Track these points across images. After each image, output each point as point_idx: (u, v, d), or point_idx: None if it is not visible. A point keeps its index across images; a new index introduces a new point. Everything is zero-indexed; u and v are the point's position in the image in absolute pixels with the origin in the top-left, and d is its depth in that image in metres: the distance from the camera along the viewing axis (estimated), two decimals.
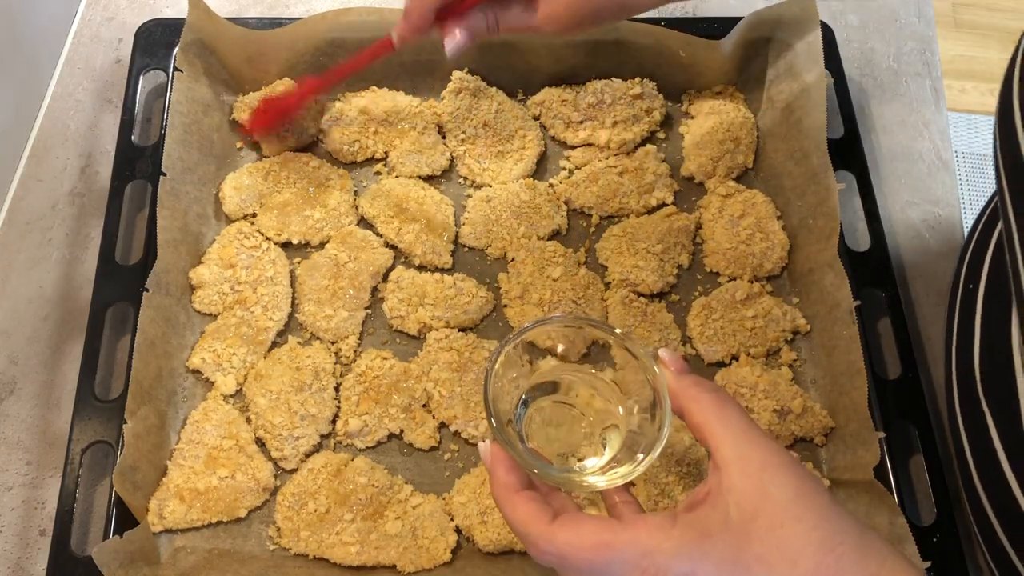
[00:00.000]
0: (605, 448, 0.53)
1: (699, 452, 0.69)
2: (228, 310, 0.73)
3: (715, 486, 0.45)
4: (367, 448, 0.70)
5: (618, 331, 0.52)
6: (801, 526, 0.43)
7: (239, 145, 0.82)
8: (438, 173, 0.81)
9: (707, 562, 0.43)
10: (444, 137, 0.82)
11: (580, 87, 0.84)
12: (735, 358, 0.74)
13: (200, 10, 0.77)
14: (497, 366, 0.51)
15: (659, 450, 0.48)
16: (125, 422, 0.64)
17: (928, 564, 0.60)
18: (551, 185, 0.81)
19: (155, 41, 0.82)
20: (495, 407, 0.49)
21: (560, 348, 0.55)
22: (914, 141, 0.87)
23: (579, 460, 0.53)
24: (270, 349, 0.73)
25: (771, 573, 0.43)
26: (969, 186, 1.93)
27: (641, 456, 0.48)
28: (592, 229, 0.80)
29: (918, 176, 0.86)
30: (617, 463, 0.50)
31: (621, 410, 0.53)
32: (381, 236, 0.78)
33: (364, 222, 0.79)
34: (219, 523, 0.66)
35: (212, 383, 0.71)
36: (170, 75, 0.79)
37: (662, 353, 0.50)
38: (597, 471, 0.51)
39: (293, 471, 0.68)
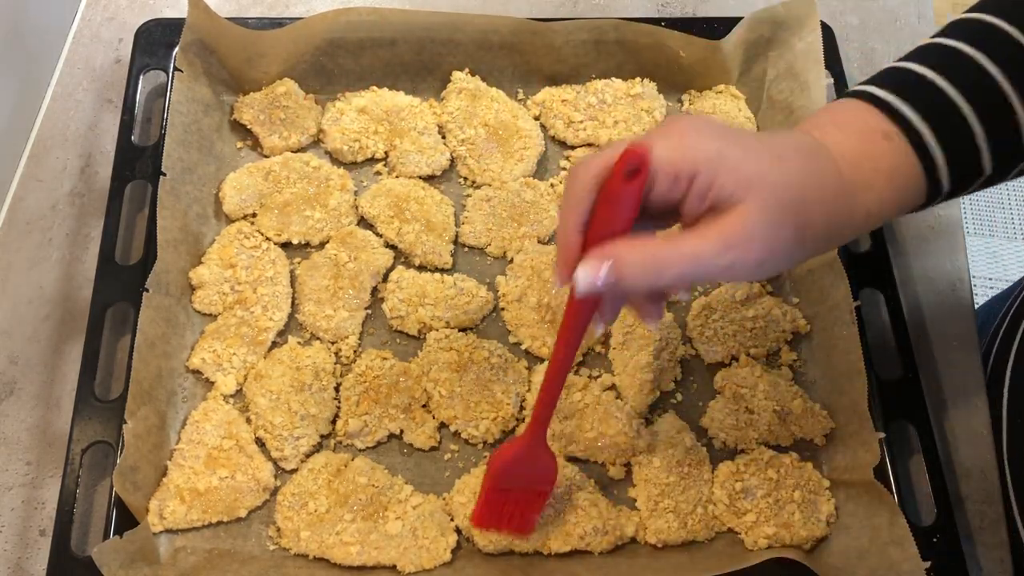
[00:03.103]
0: None
1: (700, 454, 0.69)
2: (228, 310, 0.73)
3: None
4: (367, 448, 0.70)
5: None
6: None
7: (239, 145, 0.82)
8: (438, 173, 0.81)
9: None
10: (444, 137, 0.82)
11: (580, 87, 0.84)
12: (735, 358, 0.74)
13: (200, 10, 0.77)
14: None
15: None
16: (125, 422, 0.64)
17: (928, 564, 0.60)
18: (551, 185, 0.81)
19: (155, 41, 0.82)
20: None
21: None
22: None
23: None
24: (270, 349, 0.73)
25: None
26: None
27: None
28: None
29: None
30: None
31: None
32: (381, 236, 0.78)
33: (364, 222, 0.79)
34: (219, 523, 0.66)
35: (212, 383, 0.71)
36: (170, 75, 0.79)
37: None
38: None
39: (293, 471, 0.68)
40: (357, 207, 0.79)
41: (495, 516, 0.64)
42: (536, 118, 0.84)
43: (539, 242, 0.78)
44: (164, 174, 0.73)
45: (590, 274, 0.49)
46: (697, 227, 0.49)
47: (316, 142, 0.82)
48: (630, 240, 0.49)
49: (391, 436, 0.70)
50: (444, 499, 0.67)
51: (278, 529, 0.66)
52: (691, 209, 0.50)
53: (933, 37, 0.58)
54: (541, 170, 0.83)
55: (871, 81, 0.58)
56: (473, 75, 0.84)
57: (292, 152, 0.80)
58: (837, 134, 0.54)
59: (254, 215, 0.78)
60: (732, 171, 0.48)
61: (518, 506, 0.64)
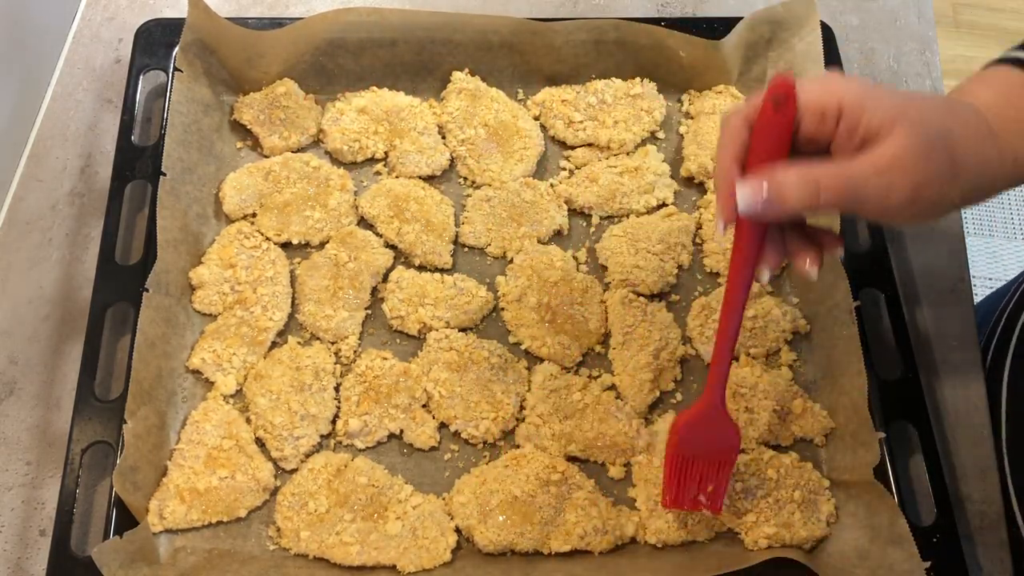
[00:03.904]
0: None
1: None
2: (228, 310, 0.73)
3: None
4: (367, 448, 0.70)
5: None
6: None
7: (239, 145, 0.82)
8: (438, 173, 0.81)
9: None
10: (444, 137, 0.82)
11: (580, 87, 0.84)
12: (735, 358, 0.74)
13: (200, 10, 0.77)
14: None
15: None
16: (125, 422, 0.64)
17: (928, 564, 0.60)
18: (551, 185, 0.81)
19: (155, 41, 0.82)
20: None
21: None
22: None
23: None
24: (270, 349, 0.73)
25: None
26: None
27: None
28: (592, 229, 0.80)
29: None
30: None
31: None
32: (381, 236, 0.78)
33: (364, 222, 0.79)
34: (219, 523, 0.66)
35: (212, 383, 0.71)
36: (170, 75, 0.79)
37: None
38: None
39: (293, 471, 0.68)
40: (357, 207, 0.79)
41: (683, 493, 0.63)
42: (536, 118, 0.84)
43: (539, 242, 0.78)
44: (164, 174, 0.73)
45: (750, 193, 0.51)
46: (851, 157, 0.51)
47: (316, 142, 0.82)
48: (786, 163, 0.51)
49: (391, 436, 0.70)
50: (444, 499, 0.67)
51: (278, 529, 0.66)
52: (841, 148, 0.52)
53: None
54: (541, 170, 0.83)
55: (1009, 50, 0.59)
56: (473, 75, 0.84)
57: (292, 152, 0.80)
58: (978, 89, 0.56)
59: (254, 215, 0.78)
60: (878, 106, 0.50)
61: (704, 480, 0.63)
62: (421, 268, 0.77)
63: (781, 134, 0.52)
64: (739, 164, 0.53)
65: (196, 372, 0.71)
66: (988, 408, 0.74)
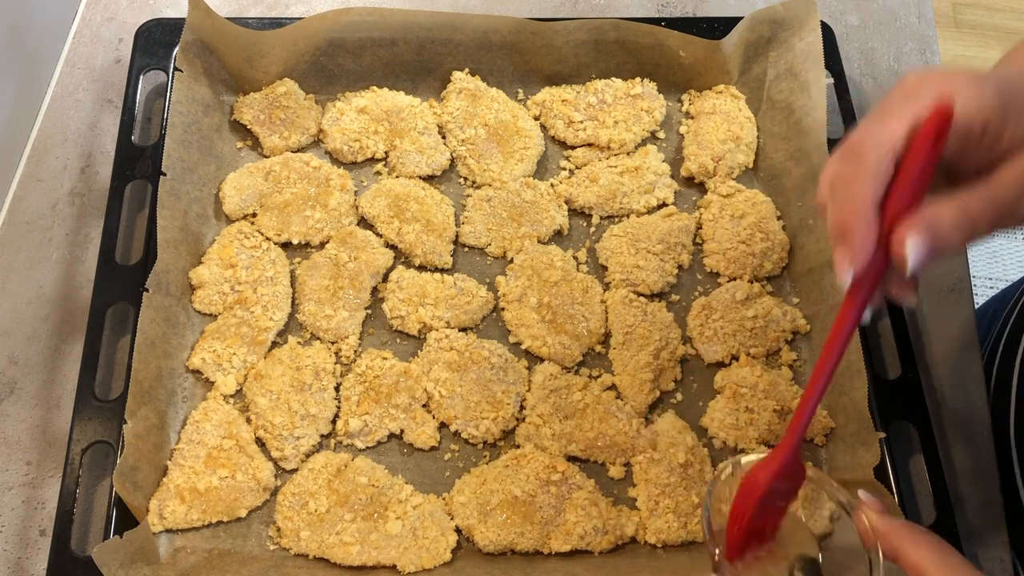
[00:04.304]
0: None
1: (700, 454, 0.69)
2: (228, 310, 0.73)
3: None
4: (367, 448, 0.70)
5: (847, 498, 0.54)
6: None
7: (239, 145, 0.82)
8: (438, 173, 0.81)
9: None
10: (444, 137, 0.82)
11: (580, 87, 0.84)
12: (735, 358, 0.74)
13: (200, 10, 0.77)
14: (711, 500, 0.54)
15: None
16: (125, 422, 0.64)
17: None
18: (552, 185, 0.81)
19: (155, 41, 0.82)
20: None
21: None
22: None
23: None
24: (270, 349, 0.73)
25: None
26: None
27: None
28: (592, 229, 0.80)
29: None
30: None
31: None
32: (381, 236, 0.78)
33: (364, 222, 0.79)
34: (219, 523, 0.66)
35: (212, 383, 0.71)
36: (170, 75, 0.79)
37: (863, 495, 0.52)
38: None
39: (293, 471, 0.68)
40: (357, 207, 0.79)
41: (748, 540, 0.56)
42: (536, 118, 0.84)
43: (539, 242, 0.78)
44: (164, 174, 0.73)
45: (921, 243, 0.44)
46: (989, 176, 0.46)
47: (316, 142, 0.82)
48: (933, 203, 0.45)
49: (391, 436, 0.70)
50: (444, 499, 0.67)
51: (278, 529, 0.66)
52: (973, 163, 0.47)
53: None
54: (541, 170, 0.83)
55: None
56: (473, 75, 0.84)
57: (292, 152, 0.80)
58: None
59: (254, 215, 0.78)
60: (1020, 113, 0.46)
61: (766, 519, 0.56)
62: (421, 268, 0.77)
63: (931, 167, 0.45)
64: (879, 208, 0.46)
65: (196, 372, 0.71)
66: (989, 408, 0.74)
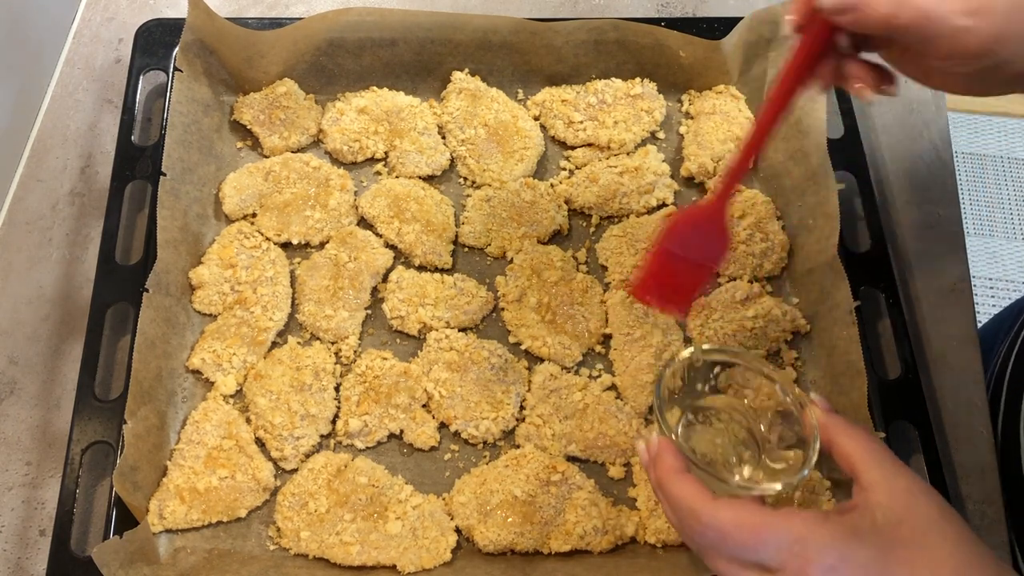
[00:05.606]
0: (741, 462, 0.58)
1: None
2: (228, 310, 0.73)
3: (862, 501, 0.49)
4: (367, 448, 0.70)
5: (780, 379, 0.57)
6: (945, 543, 0.47)
7: (239, 145, 0.82)
8: (438, 173, 0.81)
9: (854, 559, 0.46)
10: (444, 137, 0.82)
11: (580, 87, 0.84)
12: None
13: (200, 10, 0.77)
14: (668, 373, 0.56)
15: (812, 464, 0.53)
16: (125, 422, 0.64)
17: None
18: (551, 185, 0.81)
19: (155, 41, 0.82)
20: (663, 411, 0.55)
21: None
22: (914, 141, 0.87)
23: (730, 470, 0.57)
24: (270, 349, 0.73)
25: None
26: (969, 186, 1.93)
27: (805, 471, 0.53)
28: (592, 229, 0.80)
29: (918, 176, 0.86)
30: (756, 478, 0.56)
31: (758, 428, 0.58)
32: (381, 236, 0.78)
33: (364, 222, 0.79)
34: (219, 523, 0.66)
35: (212, 383, 0.71)
36: (170, 75, 0.79)
37: (816, 397, 0.56)
38: (749, 480, 0.56)
39: (293, 471, 0.68)
40: (357, 207, 0.79)
41: (655, 288, 0.61)
42: (536, 118, 0.84)
43: (539, 242, 0.78)
44: (164, 174, 0.73)
45: None
46: None
47: (316, 142, 0.82)
48: None
49: (391, 436, 0.70)
50: (444, 499, 0.68)
51: (278, 529, 0.66)
52: None
53: None
54: (541, 170, 0.83)
55: None
56: (473, 75, 0.84)
57: (292, 152, 0.80)
58: None
59: (254, 215, 0.78)
60: None
61: (679, 278, 0.61)
62: (421, 268, 0.77)
63: None
64: None
65: (196, 372, 0.71)
66: (989, 408, 0.74)
